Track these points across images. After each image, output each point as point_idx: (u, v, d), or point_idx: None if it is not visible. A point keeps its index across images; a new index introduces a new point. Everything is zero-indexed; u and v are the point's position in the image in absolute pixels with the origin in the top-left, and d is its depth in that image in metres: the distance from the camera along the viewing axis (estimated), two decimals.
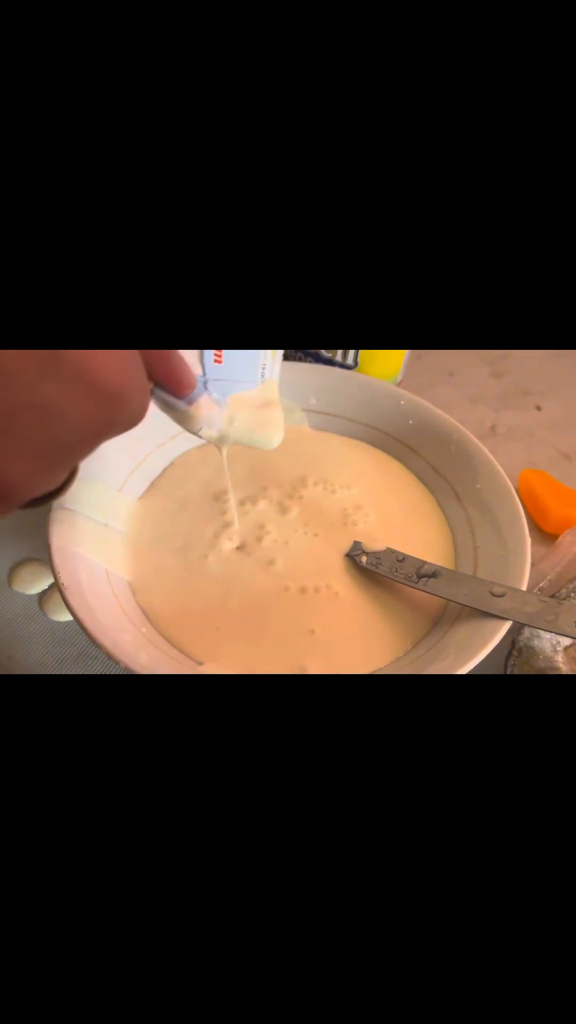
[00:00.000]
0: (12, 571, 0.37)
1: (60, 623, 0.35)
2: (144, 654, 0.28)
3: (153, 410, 0.38)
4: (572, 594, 0.33)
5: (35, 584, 0.37)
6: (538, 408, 0.47)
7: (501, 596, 0.29)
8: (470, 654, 0.27)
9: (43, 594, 0.36)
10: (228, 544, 0.34)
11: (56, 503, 0.31)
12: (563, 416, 0.47)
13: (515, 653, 0.31)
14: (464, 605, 0.30)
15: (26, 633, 0.35)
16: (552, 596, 0.33)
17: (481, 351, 0.51)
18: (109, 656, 0.26)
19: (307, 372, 0.39)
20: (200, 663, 0.30)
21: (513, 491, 0.33)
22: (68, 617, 0.35)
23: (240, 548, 0.34)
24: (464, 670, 0.27)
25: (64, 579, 0.29)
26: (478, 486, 0.35)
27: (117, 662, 0.26)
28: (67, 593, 0.28)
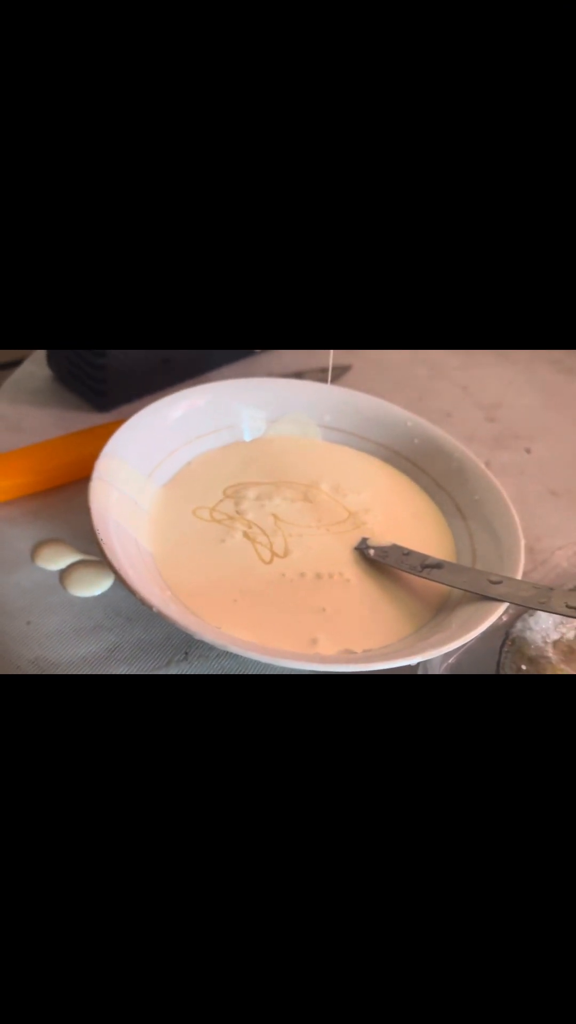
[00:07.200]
0: (36, 548, 0.39)
1: (79, 598, 0.37)
2: (170, 605, 0.30)
3: (184, 413, 0.41)
4: None
5: (57, 561, 0.38)
6: (527, 451, 0.52)
7: (498, 583, 0.32)
8: (469, 628, 0.30)
9: (64, 571, 0.38)
10: (244, 531, 0.36)
11: (95, 475, 0.34)
12: (551, 459, 0.51)
13: (508, 643, 0.34)
14: (464, 591, 0.33)
15: (46, 603, 0.36)
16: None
17: (476, 399, 0.56)
18: (143, 601, 0.28)
19: (323, 391, 0.43)
20: (218, 628, 0.32)
21: (508, 500, 0.37)
22: (87, 593, 0.37)
23: (256, 537, 0.36)
24: (463, 641, 0.29)
25: (103, 536, 0.31)
26: (476, 498, 0.38)
27: (149, 606, 0.28)
28: (105, 547, 0.30)
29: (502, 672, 0.32)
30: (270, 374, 0.52)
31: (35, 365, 0.52)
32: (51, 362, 0.49)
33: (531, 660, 0.33)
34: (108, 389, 0.46)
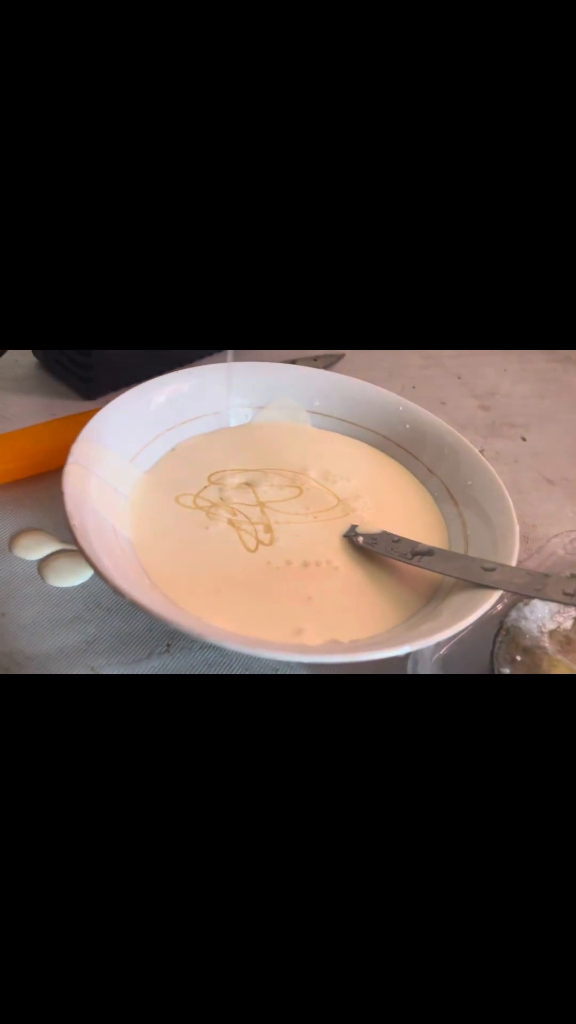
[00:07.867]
0: (13, 538, 0.38)
1: (57, 588, 0.36)
2: (149, 594, 0.28)
3: (168, 398, 0.40)
4: None
5: (35, 551, 0.37)
6: (523, 439, 0.50)
7: (491, 570, 0.31)
8: (461, 617, 0.29)
9: (42, 561, 0.37)
10: (229, 518, 0.35)
11: (70, 459, 0.33)
12: (546, 447, 0.50)
13: (502, 633, 0.32)
14: (457, 578, 0.31)
15: (22, 594, 0.35)
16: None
17: (470, 387, 0.54)
18: (116, 590, 0.27)
19: (311, 376, 0.42)
20: (199, 618, 0.30)
21: (502, 484, 0.35)
22: (65, 584, 0.36)
23: (241, 525, 0.35)
24: (454, 630, 0.28)
25: (76, 522, 0.29)
26: (469, 483, 0.37)
27: (123, 594, 0.27)
28: (77, 534, 0.29)
29: (496, 663, 0.31)
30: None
31: (20, 353, 0.50)
32: (37, 350, 0.48)
33: (526, 650, 0.32)
34: (95, 377, 0.45)
